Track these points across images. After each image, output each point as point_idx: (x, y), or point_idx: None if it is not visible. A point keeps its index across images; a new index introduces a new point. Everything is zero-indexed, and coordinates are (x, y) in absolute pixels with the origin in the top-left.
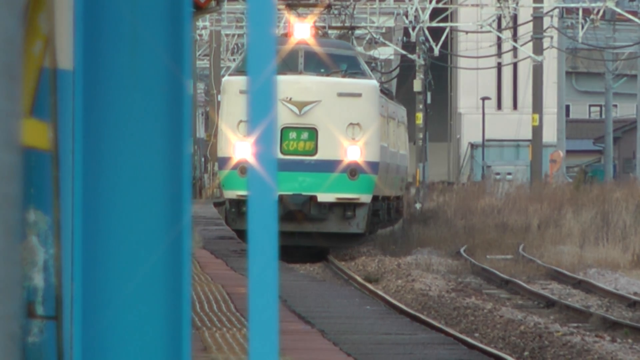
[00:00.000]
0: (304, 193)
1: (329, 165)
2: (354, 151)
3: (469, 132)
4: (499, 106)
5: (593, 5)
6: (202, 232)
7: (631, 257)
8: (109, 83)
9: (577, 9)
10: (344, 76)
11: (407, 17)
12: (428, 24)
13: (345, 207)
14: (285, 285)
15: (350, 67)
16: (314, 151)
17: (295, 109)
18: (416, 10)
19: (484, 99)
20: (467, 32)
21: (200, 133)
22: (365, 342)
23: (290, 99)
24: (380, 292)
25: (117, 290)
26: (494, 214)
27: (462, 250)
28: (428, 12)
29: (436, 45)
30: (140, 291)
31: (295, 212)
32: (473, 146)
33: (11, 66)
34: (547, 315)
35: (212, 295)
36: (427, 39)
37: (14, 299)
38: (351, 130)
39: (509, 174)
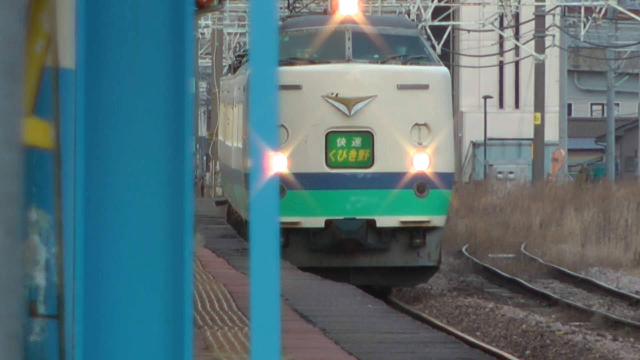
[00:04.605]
0: (358, 217)
1: (389, 180)
2: (421, 160)
3: (471, 130)
4: (501, 105)
5: (595, 3)
6: (204, 231)
7: (633, 256)
8: (110, 82)
9: (579, 7)
10: (404, 63)
11: (409, 15)
12: (430, 23)
13: (413, 233)
14: (286, 284)
15: (412, 50)
16: (370, 162)
17: (344, 108)
18: (418, 8)
19: (485, 97)
20: (469, 31)
21: (202, 132)
22: (366, 341)
23: (337, 95)
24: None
25: (119, 289)
26: (495, 212)
27: (463, 249)
28: (430, 10)
29: (438, 43)
30: (142, 290)
31: (348, 241)
32: (475, 145)
33: (13, 65)
34: (548, 314)
35: (214, 294)
36: (429, 38)
37: (15, 297)
38: (417, 132)
39: (511, 172)
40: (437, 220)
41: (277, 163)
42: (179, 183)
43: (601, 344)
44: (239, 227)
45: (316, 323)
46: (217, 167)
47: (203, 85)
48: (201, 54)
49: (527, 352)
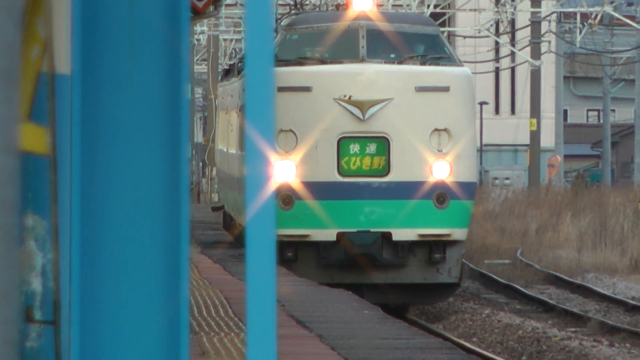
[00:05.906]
0: (373, 229)
1: (406, 189)
2: (441, 168)
3: None
4: (497, 111)
5: (591, 10)
6: (200, 237)
7: (629, 262)
8: (106, 88)
9: (575, 13)
10: (423, 63)
11: None
12: None
13: (432, 247)
14: (283, 290)
15: (431, 49)
16: (386, 170)
17: (358, 112)
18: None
19: (482, 103)
20: (465, 37)
21: (198, 138)
22: (363, 347)
23: (350, 97)
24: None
25: (115, 295)
26: (491, 218)
27: None
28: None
29: None
30: (138, 296)
31: (362, 256)
32: None
33: (9, 71)
34: (545, 319)
35: (210, 300)
36: None
37: (11, 303)
38: (437, 138)
39: (507, 178)
40: (459, 233)
41: (286, 171)
42: (175, 189)
43: (597, 349)
44: (242, 239)
45: (312, 329)
46: (214, 173)
47: (199, 91)
48: (197, 60)
49: (524, 357)
